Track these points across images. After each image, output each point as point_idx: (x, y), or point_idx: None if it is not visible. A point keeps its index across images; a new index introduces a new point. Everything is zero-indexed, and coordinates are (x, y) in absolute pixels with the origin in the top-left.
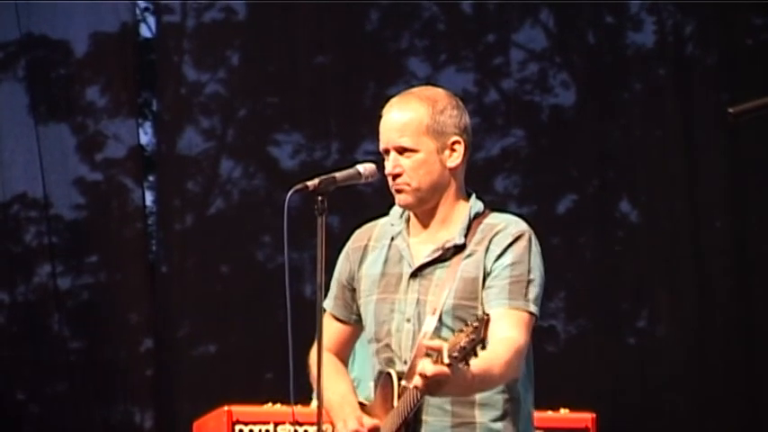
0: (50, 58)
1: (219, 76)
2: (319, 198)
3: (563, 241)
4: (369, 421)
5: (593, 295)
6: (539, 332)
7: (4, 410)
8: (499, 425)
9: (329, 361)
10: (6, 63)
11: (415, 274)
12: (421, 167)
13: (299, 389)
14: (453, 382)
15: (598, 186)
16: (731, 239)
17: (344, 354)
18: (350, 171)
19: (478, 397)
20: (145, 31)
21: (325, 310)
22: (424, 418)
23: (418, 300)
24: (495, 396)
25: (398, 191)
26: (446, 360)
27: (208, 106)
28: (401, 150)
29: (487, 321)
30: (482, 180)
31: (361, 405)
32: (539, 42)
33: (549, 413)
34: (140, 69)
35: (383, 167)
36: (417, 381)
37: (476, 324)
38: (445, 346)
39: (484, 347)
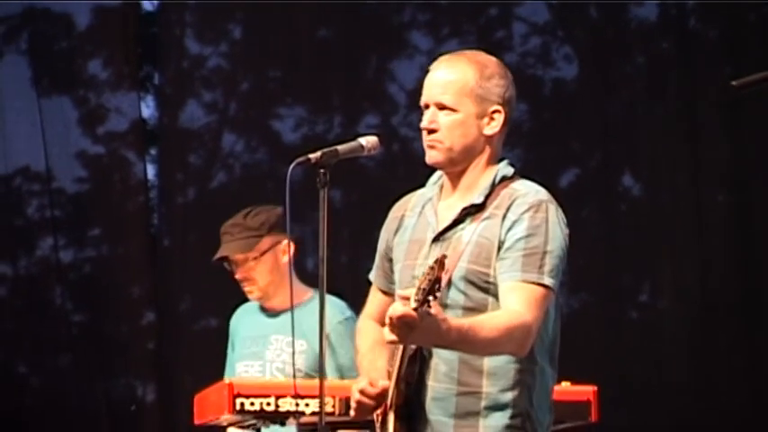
0: (52, 31)
1: (222, 49)
2: (321, 171)
3: (565, 215)
4: (382, 383)
5: (595, 269)
6: None
7: (7, 383)
8: (508, 395)
9: (371, 328)
10: (9, 36)
11: (437, 238)
12: (457, 128)
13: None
14: (423, 327)
15: (600, 160)
16: (733, 213)
17: None
18: (352, 144)
19: (487, 366)
20: (147, 5)
21: (371, 283)
22: (429, 383)
23: None
24: (507, 365)
25: (431, 146)
26: (412, 304)
27: (210, 80)
28: (441, 107)
29: (442, 262)
30: None
31: (389, 372)
32: (541, 16)
33: None
34: (142, 43)
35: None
36: (386, 331)
37: (432, 265)
38: (412, 291)
39: (439, 288)
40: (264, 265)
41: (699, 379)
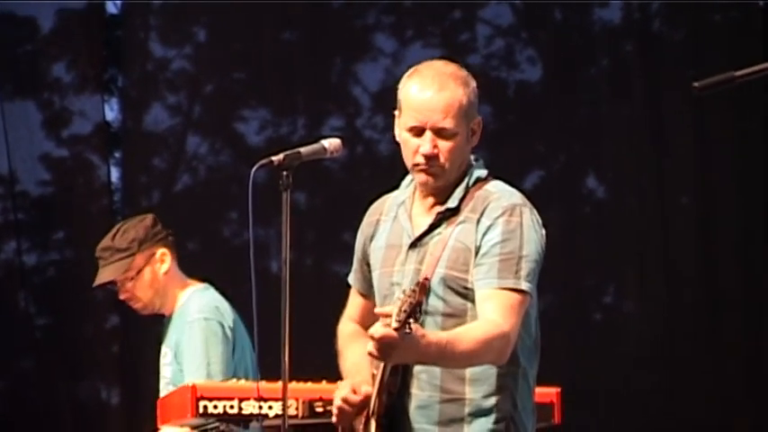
0: (16, 34)
1: (186, 52)
2: (284, 173)
3: None
4: (365, 389)
5: (559, 271)
6: None
7: None
8: (491, 400)
9: (353, 331)
10: None
11: (414, 244)
12: (458, 151)
13: (265, 365)
14: (404, 347)
15: (564, 162)
16: (697, 215)
17: (369, 324)
18: (315, 146)
19: (469, 372)
20: (111, 8)
21: (350, 285)
22: (413, 391)
23: (416, 270)
24: (489, 370)
25: (431, 174)
26: (393, 324)
27: (174, 82)
28: (439, 131)
29: (424, 285)
30: None
31: (374, 376)
32: (505, 18)
33: None
34: (106, 45)
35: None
36: (370, 345)
37: (414, 288)
38: (395, 310)
39: (420, 311)
40: (143, 281)
41: (663, 381)
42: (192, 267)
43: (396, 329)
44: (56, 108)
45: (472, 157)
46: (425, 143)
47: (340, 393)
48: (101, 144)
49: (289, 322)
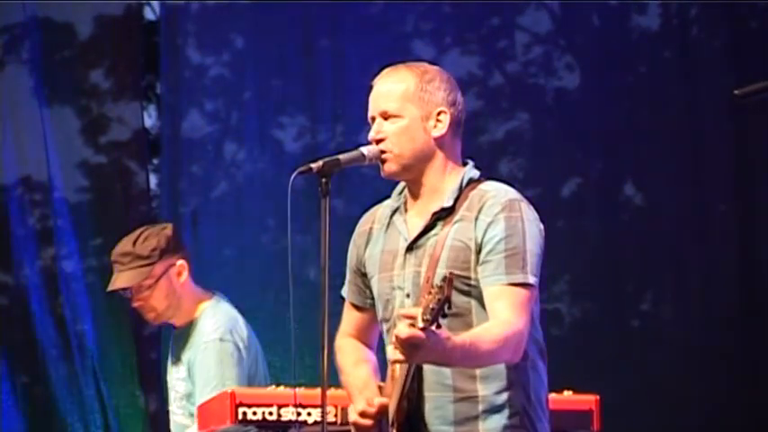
0: (55, 40)
1: (224, 59)
2: (323, 180)
3: (567, 224)
4: (378, 401)
5: (597, 278)
6: (542, 315)
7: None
8: (504, 396)
9: (352, 346)
10: (11, 45)
11: (411, 247)
12: (404, 133)
13: (304, 371)
14: (429, 347)
15: (602, 169)
16: (735, 223)
17: (367, 338)
18: (354, 153)
19: (479, 369)
20: (149, 14)
21: (344, 299)
22: (426, 393)
23: (415, 272)
24: (498, 366)
25: (383, 160)
26: (420, 324)
27: (212, 89)
28: (386, 116)
29: (451, 280)
30: (487, 163)
31: (380, 388)
32: (543, 25)
33: (553, 395)
34: (144, 52)
35: None
36: (390, 350)
37: (440, 284)
38: (419, 311)
39: (450, 306)
40: (160, 291)
41: (700, 389)
42: (231, 274)
43: (422, 329)
44: (94, 115)
45: (470, 164)
46: (372, 130)
47: (356, 408)
48: (139, 151)
49: (327, 328)
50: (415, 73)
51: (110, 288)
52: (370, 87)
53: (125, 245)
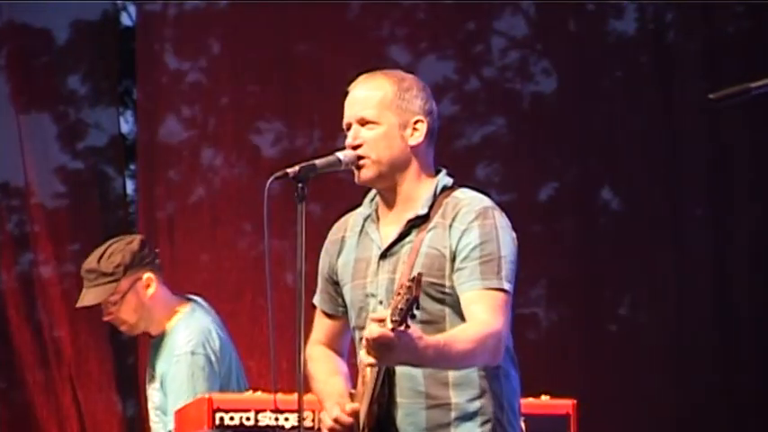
0: (31, 46)
1: (201, 64)
2: (299, 185)
3: (544, 229)
4: (350, 407)
5: (574, 283)
6: (519, 319)
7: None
8: (477, 404)
9: (323, 354)
10: None
11: (384, 254)
12: (382, 140)
13: (280, 376)
14: (400, 347)
15: (579, 174)
16: (712, 227)
17: (338, 345)
18: (330, 158)
19: (452, 376)
20: (126, 20)
21: (315, 306)
22: (398, 399)
23: (389, 279)
24: (472, 374)
25: (359, 166)
26: (389, 325)
27: (189, 95)
28: (363, 122)
29: (419, 280)
30: (463, 168)
31: (351, 395)
32: (519, 30)
33: (531, 400)
34: (121, 58)
35: None
36: (362, 353)
37: (408, 284)
38: (388, 312)
39: (418, 307)
40: (128, 305)
41: (676, 391)
42: (208, 279)
43: (392, 329)
44: (71, 120)
45: (443, 172)
46: (349, 135)
47: (331, 414)
48: (116, 156)
49: (304, 333)
50: (393, 81)
51: (78, 305)
52: (346, 93)
53: (91, 261)
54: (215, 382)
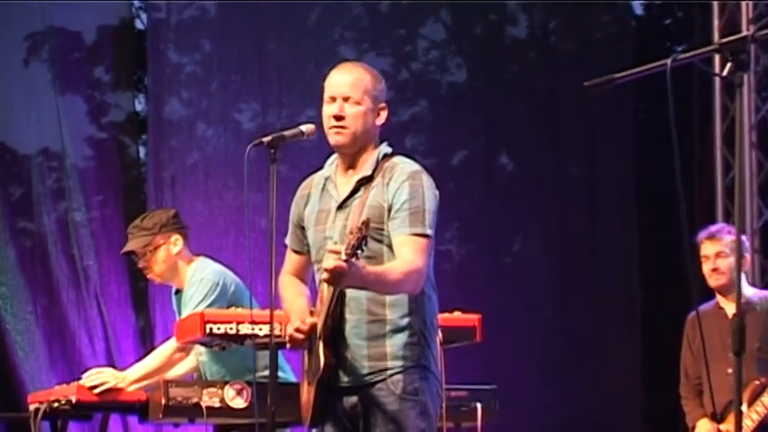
0: (66, 44)
1: (196, 58)
2: (272, 151)
3: (456, 186)
4: (309, 320)
5: (479, 227)
6: (438, 254)
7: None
8: (406, 320)
9: (291, 281)
10: (34, 49)
11: (340, 206)
12: (361, 117)
13: (256, 297)
14: (351, 274)
15: (484, 144)
16: (584, 184)
17: (303, 275)
18: (294, 130)
19: (388, 299)
20: (139, 24)
21: (286, 245)
22: (346, 315)
23: (343, 225)
24: (403, 297)
25: (337, 132)
26: (343, 256)
27: (186, 82)
28: (346, 99)
29: (367, 223)
30: (395, 138)
31: (311, 312)
32: (439, 34)
33: (446, 315)
34: (135, 54)
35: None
36: (324, 275)
37: (360, 227)
38: (343, 247)
39: (366, 243)
40: (158, 256)
41: (555, 305)
42: (202, 222)
43: (345, 261)
44: (97, 101)
45: (385, 143)
46: (335, 107)
47: (292, 325)
48: (131, 129)
49: (274, 264)
50: (372, 74)
51: (122, 251)
52: (325, 76)
53: (136, 220)
54: (223, 304)
